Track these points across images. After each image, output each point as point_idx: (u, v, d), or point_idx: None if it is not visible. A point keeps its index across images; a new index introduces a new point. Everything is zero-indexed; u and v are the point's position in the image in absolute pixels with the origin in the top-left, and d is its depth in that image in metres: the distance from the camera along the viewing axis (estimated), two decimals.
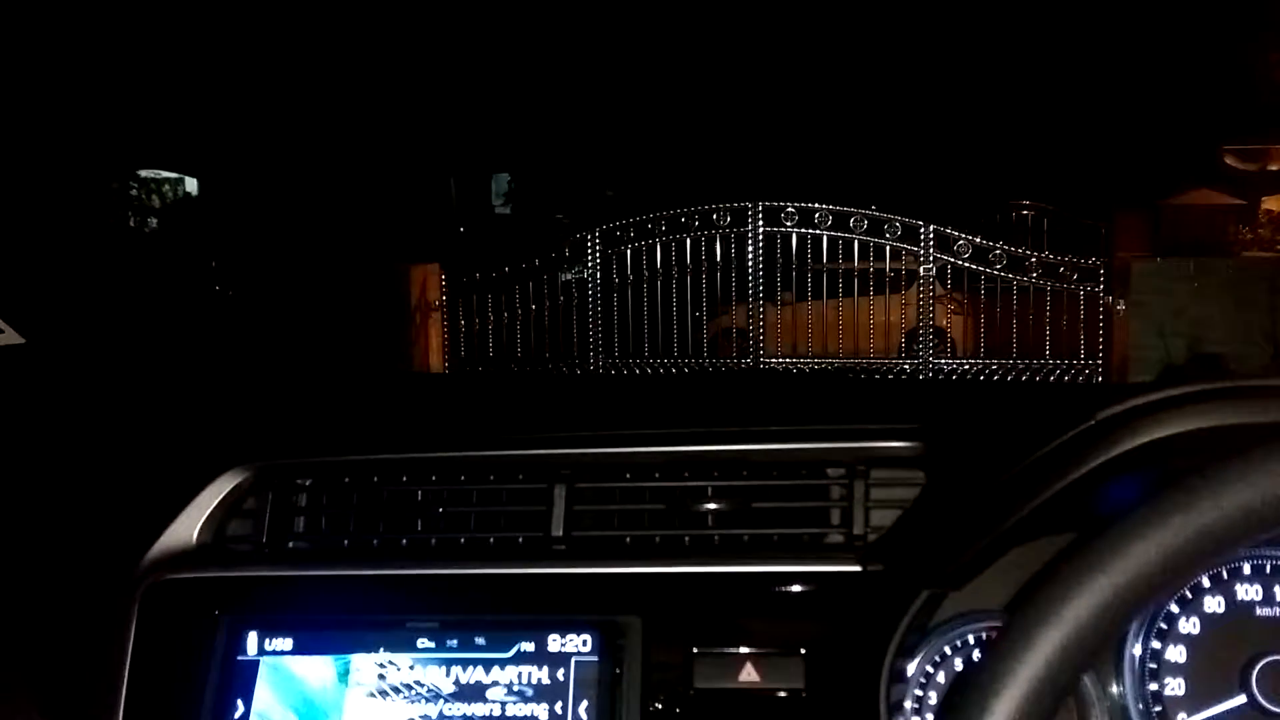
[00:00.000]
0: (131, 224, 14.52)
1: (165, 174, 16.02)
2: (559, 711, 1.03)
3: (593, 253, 9.49)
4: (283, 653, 1.08)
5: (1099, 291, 8.97)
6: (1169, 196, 9.36)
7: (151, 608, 1.12)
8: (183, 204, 15.77)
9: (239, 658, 1.08)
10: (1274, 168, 13.58)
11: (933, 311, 9.23)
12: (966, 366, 9.27)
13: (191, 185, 16.53)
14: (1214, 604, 0.98)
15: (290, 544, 1.18)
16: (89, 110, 12.68)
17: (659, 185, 16.12)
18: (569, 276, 9.79)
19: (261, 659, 1.08)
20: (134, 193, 14.83)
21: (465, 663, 1.06)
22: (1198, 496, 0.67)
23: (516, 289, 9.63)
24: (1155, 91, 15.48)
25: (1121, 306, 8.84)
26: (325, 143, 15.46)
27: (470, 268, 9.80)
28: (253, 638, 1.09)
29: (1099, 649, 0.68)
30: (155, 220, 14.94)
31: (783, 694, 1.01)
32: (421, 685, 1.06)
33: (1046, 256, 9.06)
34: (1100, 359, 9.04)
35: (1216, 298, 8.68)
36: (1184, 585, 0.97)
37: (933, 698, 1.01)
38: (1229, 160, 13.67)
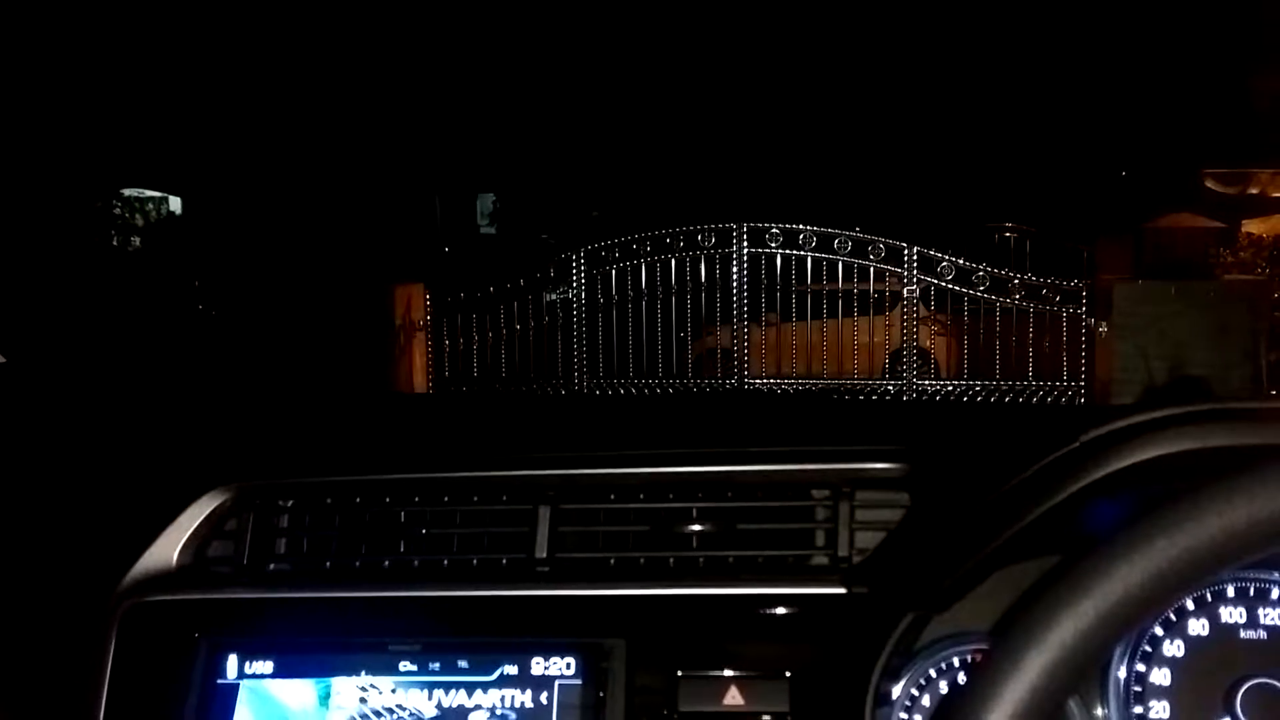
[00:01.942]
0: (115, 243, 14.44)
1: (149, 192, 15.96)
2: None
3: (578, 273, 9.50)
4: (263, 676, 1.07)
5: (1081, 313, 9.01)
6: (1151, 220, 9.44)
7: (131, 630, 1.11)
8: (166, 223, 15.70)
9: (219, 681, 1.07)
10: (1254, 191, 13.68)
11: (916, 333, 9.26)
12: (950, 387, 9.30)
13: (175, 204, 16.48)
14: (1198, 626, 0.98)
15: (271, 565, 1.17)
16: (72, 129, 12.65)
17: (644, 206, 16.17)
18: (554, 297, 9.79)
19: (242, 682, 1.07)
20: (117, 211, 14.75)
21: (448, 686, 1.05)
22: (1182, 519, 0.67)
23: (501, 309, 9.63)
24: (1137, 116, 15.62)
25: (1103, 328, 8.88)
26: (310, 162, 15.45)
27: (455, 288, 9.80)
28: (233, 660, 1.07)
29: (1084, 672, 0.68)
30: (138, 239, 14.86)
31: (767, 717, 1.01)
32: (403, 709, 1.05)
33: (1029, 278, 9.11)
34: (1082, 380, 9.08)
35: (1198, 320, 8.73)
36: (1169, 608, 0.97)
37: None
38: (1210, 184, 13.76)
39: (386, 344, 9.64)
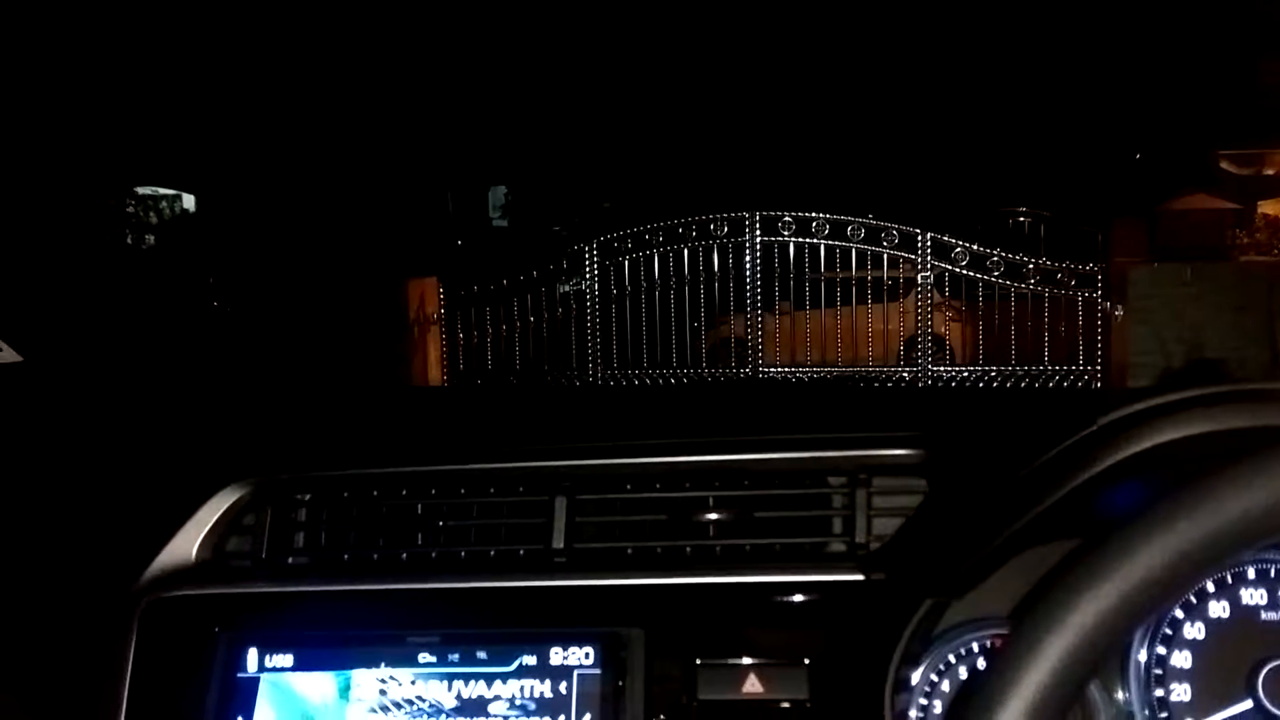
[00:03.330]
0: (129, 241, 14.51)
1: (163, 190, 16.02)
2: None
3: (590, 264, 9.49)
4: (283, 669, 1.07)
5: (1097, 297, 8.97)
6: (1165, 202, 9.37)
7: (151, 625, 1.11)
8: (180, 220, 15.76)
9: (239, 675, 1.07)
10: (1269, 172, 13.59)
11: (931, 319, 9.22)
12: (965, 373, 9.26)
13: (189, 202, 16.53)
14: (1219, 609, 0.97)
15: (290, 559, 1.17)
16: (87, 128, 12.69)
17: (656, 196, 16.13)
18: (567, 288, 9.78)
19: (262, 676, 1.07)
20: (131, 210, 14.82)
21: (467, 677, 1.05)
22: (1203, 501, 0.67)
23: (515, 301, 9.62)
24: (1151, 98, 15.51)
25: (1119, 312, 8.84)
26: (323, 158, 15.47)
27: (468, 281, 9.80)
28: (253, 654, 1.08)
29: (1105, 656, 0.67)
30: (153, 237, 14.93)
31: (786, 705, 1.01)
32: (423, 700, 1.05)
33: (1044, 263, 9.06)
34: (1099, 365, 9.03)
35: (1214, 302, 8.68)
36: (1189, 591, 0.96)
37: (937, 707, 1.00)
38: (1225, 165, 13.68)
39: (401, 338, 9.65)
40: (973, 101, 17.38)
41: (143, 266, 13.11)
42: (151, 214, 15.38)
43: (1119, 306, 8.84)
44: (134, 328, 10.01)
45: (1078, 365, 9.06)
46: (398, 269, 10.62)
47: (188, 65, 14.50)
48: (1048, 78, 16.72)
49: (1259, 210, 11.84)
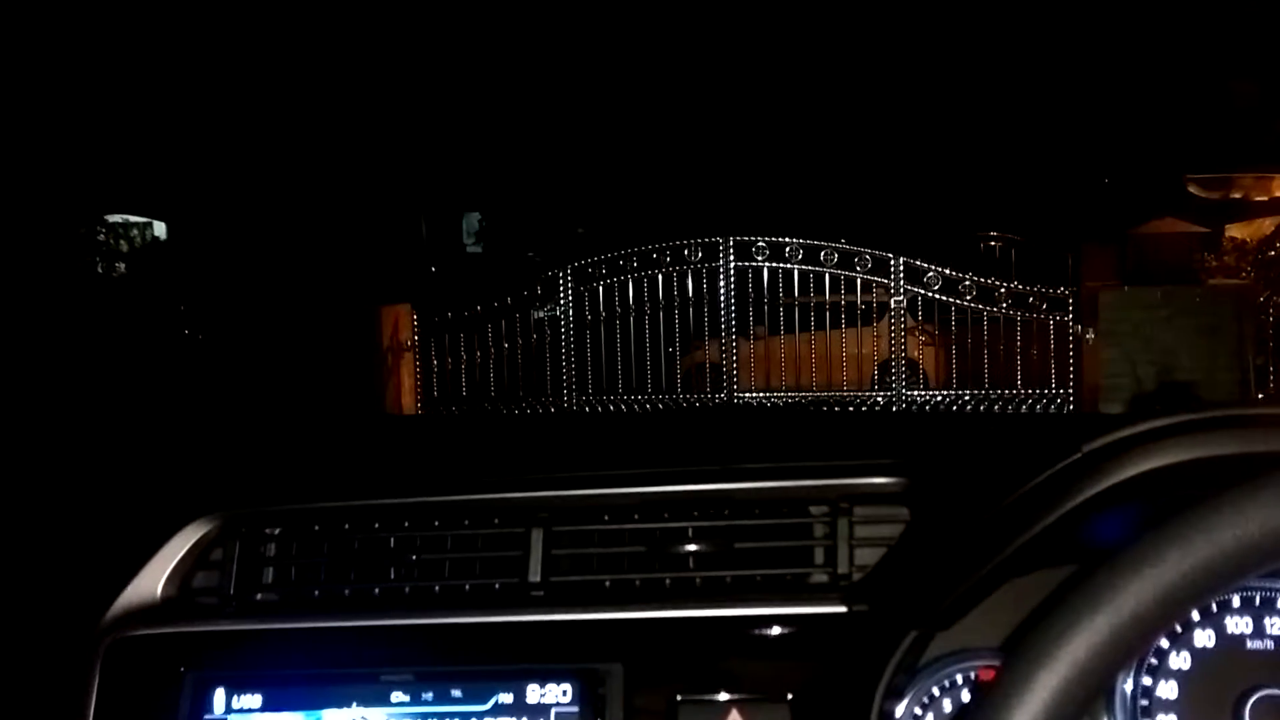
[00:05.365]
0: (100, 269, 14.39)
1: (133, 218, 15.92)
2: None
3: (565, 290, 9.49)
4: (251, 710, 1.04)
5: (1068, 321, 9.04)
6: (1135, 226, 9.46)
7: (114, 666, 1.08)
8: (151, 248, 15.66)
9: (206, 716, 1.04)
10: (1237, 195, 13.74)
11: (904, 343, 9.27)
12: (939, 397, 9.30)
13: (160, 229, 16.44)
14: (1204, 638, 0.96)
15: (258, 596, 1.14)
16: (55, 156, 12.62)
17: (630, 222, 16.19)
18: (541, 314, 9.78)
19: (229, 717, 1.04)
20: (101, 237, 14.71)
21: (441, 716, 1.03)
22: (1195, 531, 0.66)
23: (489, 328, 9.62)
24: (1119, 123, 15.71)
25: (1091, 335, 8.91)
26: (295, 185, 15.44)
27: (442, 307, 9.78)
28: (220, 695, 1.05)
29: (1099, 690, 0.66)
30: (124, 265, 14.82)
31: None
32: None
33: (1015, 287, 9.13)
34: (1071, 388, 9.09)
35: (1184, 325, 8.76)
36: (1180, 621, 0.95)
37: None
38: (1193, 189, 13.81)
39: (374, 365, 9.61)
40: (944, 127, 17.55)
41: (113, 295, 13.00)
42: (122, 242, 15.26)
43: (1090, 330, 8.92)
44: (104, 357, 9.92)
45: (1050, 388, 9.12)
46: (371, 296, 10.58)
47: (158, 92, 14.46)
48: (1018, 103, 16.90)
49: (1227, 233, 11.96)
